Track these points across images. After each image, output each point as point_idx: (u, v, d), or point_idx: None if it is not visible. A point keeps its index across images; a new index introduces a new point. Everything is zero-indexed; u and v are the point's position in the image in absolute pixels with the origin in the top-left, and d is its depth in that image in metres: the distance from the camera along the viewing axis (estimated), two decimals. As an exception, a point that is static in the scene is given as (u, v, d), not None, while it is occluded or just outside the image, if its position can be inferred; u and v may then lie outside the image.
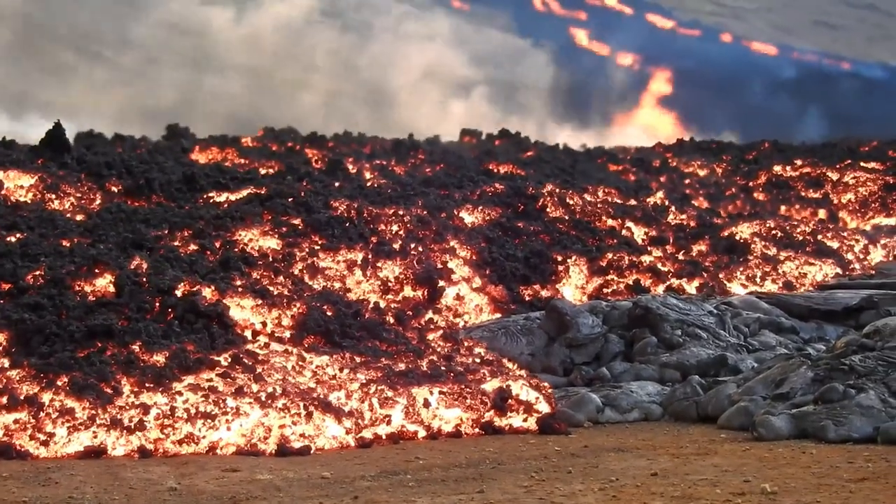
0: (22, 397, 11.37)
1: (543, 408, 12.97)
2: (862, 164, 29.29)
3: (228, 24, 42.81)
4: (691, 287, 19.42)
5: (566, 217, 21.50)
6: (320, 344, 13.37)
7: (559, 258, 19.41)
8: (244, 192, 18.81)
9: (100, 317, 12.66)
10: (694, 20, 57.44)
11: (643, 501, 8.78)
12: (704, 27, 57.56)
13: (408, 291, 16.81)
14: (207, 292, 13.65)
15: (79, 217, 16.89)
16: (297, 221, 17.52)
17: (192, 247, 15.80)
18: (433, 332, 14.98)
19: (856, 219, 27.02)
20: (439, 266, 17.59)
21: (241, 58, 42.64)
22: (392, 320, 14.96)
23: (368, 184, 21.74)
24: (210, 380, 11.95)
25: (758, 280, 20.42)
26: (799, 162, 30.19)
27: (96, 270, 13.88)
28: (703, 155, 32.17)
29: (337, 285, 16.07)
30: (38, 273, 13.69)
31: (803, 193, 28.18)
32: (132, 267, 14.05)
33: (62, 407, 11.31)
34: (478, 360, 13.92)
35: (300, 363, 12.75)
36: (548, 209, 21.59)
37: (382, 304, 15.89)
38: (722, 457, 10.69)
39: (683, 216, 23.48)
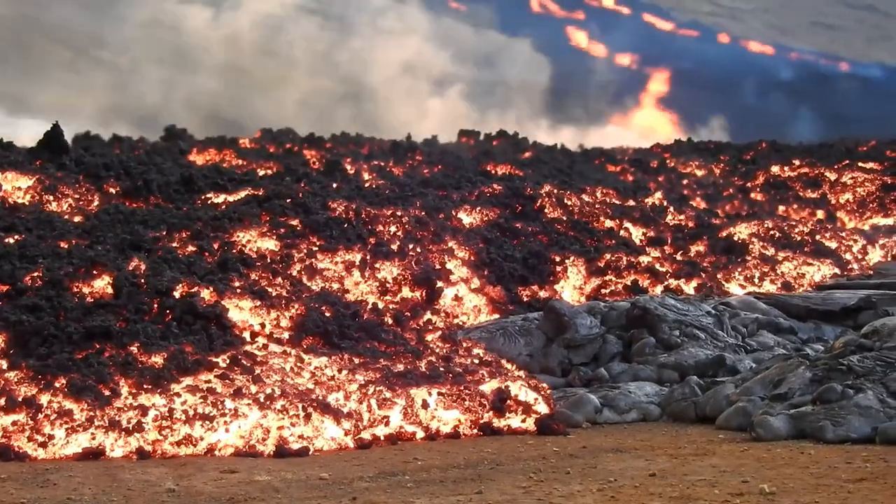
0: (20, 399, 11.35)
1: (542, 408, 12.97)
2: (860, 164, 29.32)
3: (206, 22, 42.81)
4: (689, 287, 19.45)
5: (564, 218, 21.51)
6: (319, 345, 13.36)
7: (557, 259, 19.43)
8: (242, 194, 18.81)
9: (98, 318, 12.65)
10: (692, 21, 57.53)
11: (641, 502, 8.78)
12: (702, 28, 57.64)
13: (406, 292, 16.84)
14: (206, 293, 13.63)
15: (77, 218, 16.88)
16: (295, 222, 17.53)
17: (191, 248, 15.79)
18: (431, 332, 14.97)
19: (854, 219, 27.02)
20: (437, 267, 17.61)
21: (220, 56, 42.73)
22: (390, 321, 14.96)
23: (366, 185, 21.77)
24: (208, 381, 11.94)
25: (756, 280, 20.44)
26: (797, 162, 30.22)
27: (94, 272, 13.86)
28: (701, 155, 32.19)
29: (335, 286, 16.10)
30: (36, 274, 13.67)
31: (801, 194, 28.20)
32: (130, 268, 14.04)
33: (60, 408, 11.30)
34: (476, 361, 13.91)
35: (298, 364, 12.74)
36: (546, 210, 21.60)
37: (381, 305, 15.90)
38: (720, 457, 10.69)
39: (681, 217, 23.50)
